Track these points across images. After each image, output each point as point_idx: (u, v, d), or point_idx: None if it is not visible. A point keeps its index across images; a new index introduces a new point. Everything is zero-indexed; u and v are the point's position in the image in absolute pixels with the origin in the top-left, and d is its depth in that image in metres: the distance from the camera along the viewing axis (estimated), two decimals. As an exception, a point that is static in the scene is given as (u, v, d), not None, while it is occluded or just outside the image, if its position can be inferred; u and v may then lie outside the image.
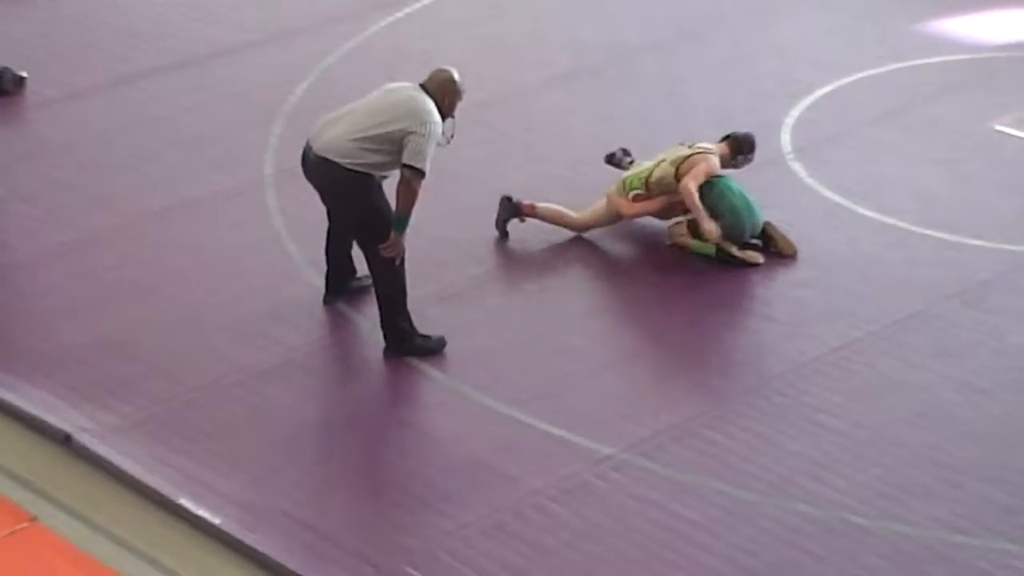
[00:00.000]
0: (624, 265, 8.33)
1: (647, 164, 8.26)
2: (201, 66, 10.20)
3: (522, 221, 8.34)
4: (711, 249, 8.11)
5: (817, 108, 9.60)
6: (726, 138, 8.28)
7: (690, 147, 8.22)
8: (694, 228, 8.11)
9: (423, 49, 10.19)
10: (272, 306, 7.80)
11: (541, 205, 8.30)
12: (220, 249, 8.32)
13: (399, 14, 10.89)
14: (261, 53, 10.37)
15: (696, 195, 7.99)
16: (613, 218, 8.27)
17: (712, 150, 8.18)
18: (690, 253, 8.18)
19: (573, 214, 8.30)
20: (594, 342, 7.62)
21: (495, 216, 8.33)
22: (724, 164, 8.19)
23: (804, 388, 7.24)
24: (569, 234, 8.39)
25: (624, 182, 8.20)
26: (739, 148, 8.19)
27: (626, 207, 8.16)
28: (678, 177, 8.06)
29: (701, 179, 8.02)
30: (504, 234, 8.30)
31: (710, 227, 7.98)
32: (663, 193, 8.12)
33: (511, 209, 8.30)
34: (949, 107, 9.68)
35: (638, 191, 8.14)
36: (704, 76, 10.06)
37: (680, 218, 8.21)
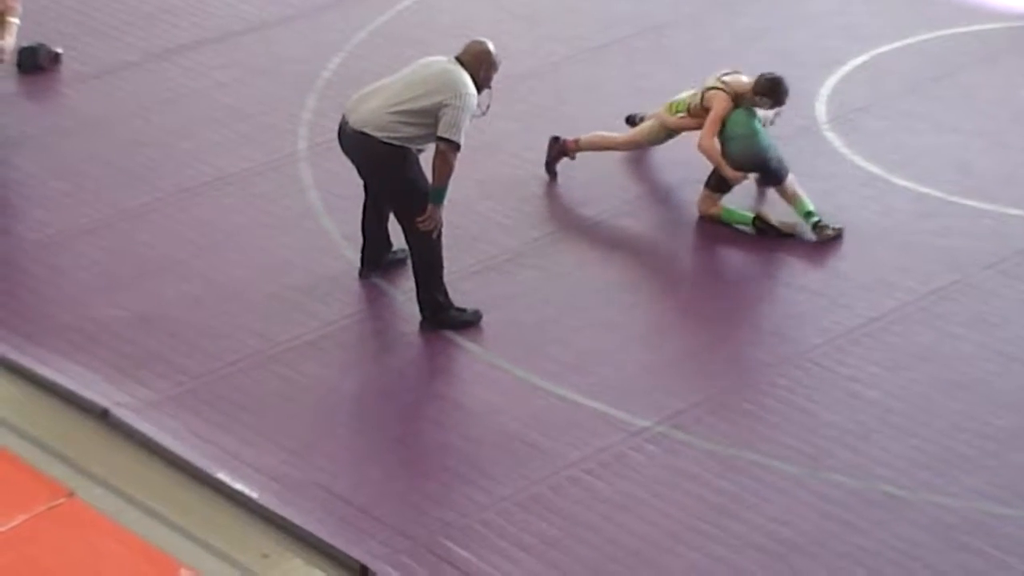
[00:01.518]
0: (658, 237, 8.30)
1: (689, 92, 8.42)
2: (234, 41, 10.21)
3: (572, 158, 8.57)
4: (747, 218, 8.09)
5: (851, 78, 9.54)
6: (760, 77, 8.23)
7: (718, 78, 8.27)
8: (718, 181, 8.14)
9: (455, 23, 10.17)
10: (307, 280, 7.82)
11: (584, 138, 8.59)
12: (255, 224, 8.34)
13: (431, -12, 10.86)
14: (294, 28, 10.36)
15: (714, 149, 8.14)
16: (658, 135, 8.48)
17: (731, 86, 8.19)
18: (724, 223, 8.15)
19: (617, 136, 8.59)
20: (629, 315, 7.61)
21: (544, 159, 8.58)
22: (744, 102, 8.16)
23: (840, 359, 7.23)
24: (601, 205, 8.38)
25: (671, 105, 8.47)
26: (760, 88, 8.15)
27: (671, 120, 8.44)
28: (703, 103, 8.26)
29: (715, 127, 8.15)
30: (553, 175, 8.56)
31: (729, 174, 8.10)
32: (697, 116, 8.34)
33: (558, 149, 8.59)
34: (983, 76, 9.60)
35: (682, 114, 8.40)
36: (737, 47, 10.00)
37: (707, 191, 8.22)
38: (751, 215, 8.09)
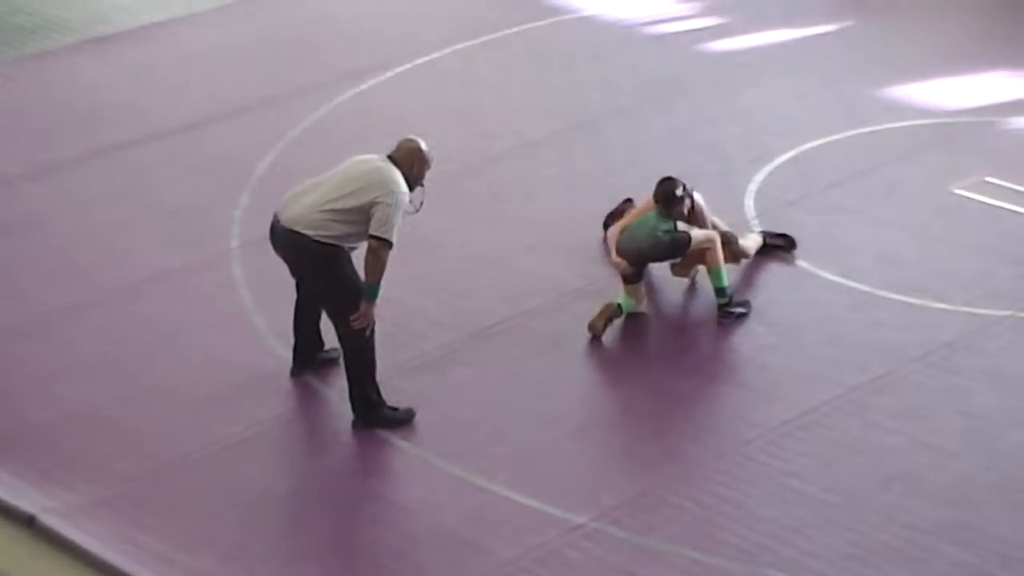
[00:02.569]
0: (589, 333, 8.32)
1: None
2: (167, 140, 10.22)
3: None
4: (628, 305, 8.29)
5: (780, 173, 9.68)
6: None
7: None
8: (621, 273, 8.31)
9: (389, 120, 10.23)
10: (240, 379, 7.77)
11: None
12: (187, 322, 8.29)
13: (364, 86, 10.95)
14: (226, 126, 10.39)
15: (611, 236, 8.44)
16: None
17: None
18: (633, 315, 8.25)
19: None
20: (564, 410, 7.62)
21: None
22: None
23: (773, 453, 7.26)
24: (536, 301, 8.41)
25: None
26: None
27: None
28: None
29: (626, 220, 8.39)
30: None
31: (611, 258, 8.32)
32: None
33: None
34: (909, 171, 9.78)
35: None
36: (668, 142, 10.14)
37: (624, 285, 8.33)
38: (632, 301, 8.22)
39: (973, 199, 9.43)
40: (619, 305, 8.16)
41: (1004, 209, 9.31)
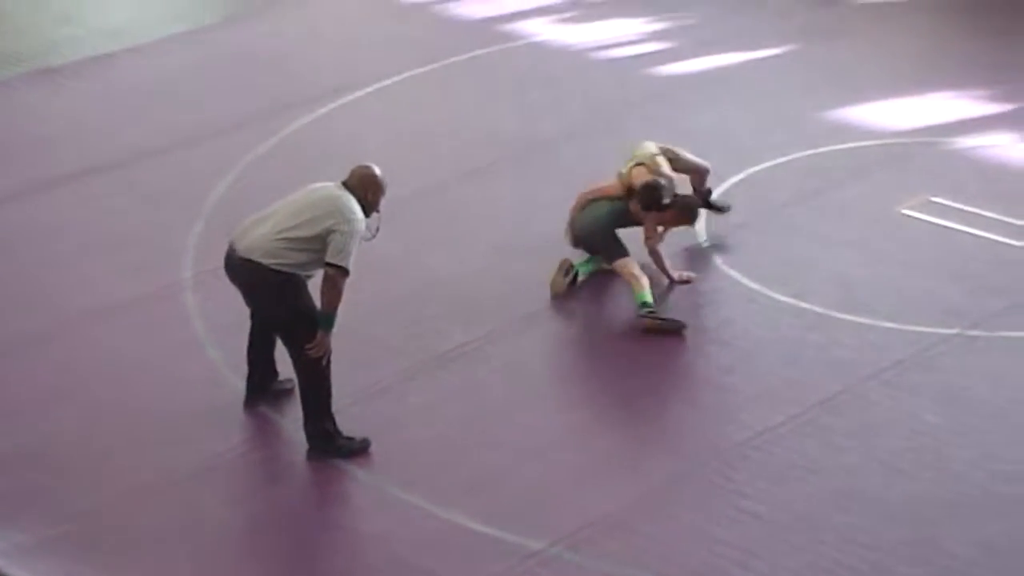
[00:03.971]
0: (547, 356, 8.36)
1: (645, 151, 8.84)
2: (119, 169, 10.17)
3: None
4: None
5: (730, 195, 9.74)
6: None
7: (659, 152, 8.80)
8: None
9: (342, 146, 10.23)
10: (193, 411, 7.73)
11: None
12: (140, 354, 8.25)
13: (318, 112, 10.95)
14: (179, 154, 10.36)
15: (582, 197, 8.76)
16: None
17: (632, 175, 8.71)
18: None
19: None
20: (519, 434, 7.63)
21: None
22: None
23: (729, 474, 7.30)
24: (491, 325, 8.43)
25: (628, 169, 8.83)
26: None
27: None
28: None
29: (593, 194, 8.75)
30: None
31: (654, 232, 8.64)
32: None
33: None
34: (858, 192, 9.87)
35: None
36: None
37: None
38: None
39: (919, 219, 9.54)
40: (572, 264, 8.42)
41: (949, 228, 9.42)
